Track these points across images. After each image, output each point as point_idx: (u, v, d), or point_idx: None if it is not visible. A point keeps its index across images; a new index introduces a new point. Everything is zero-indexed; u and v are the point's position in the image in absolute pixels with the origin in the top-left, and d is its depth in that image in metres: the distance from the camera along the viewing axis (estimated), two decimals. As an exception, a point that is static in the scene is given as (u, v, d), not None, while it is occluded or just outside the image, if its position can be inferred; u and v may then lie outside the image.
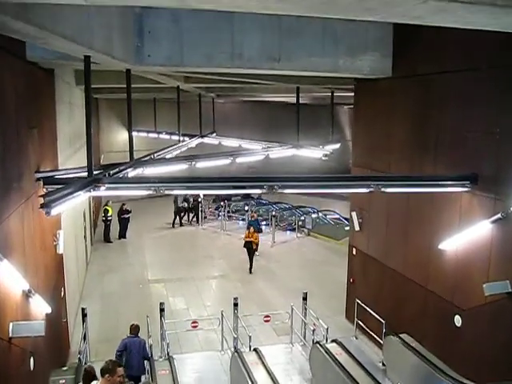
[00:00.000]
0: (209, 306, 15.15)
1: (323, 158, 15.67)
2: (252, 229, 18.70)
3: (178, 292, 16.11)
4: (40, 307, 7.94)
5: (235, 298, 12.27)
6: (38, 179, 8.51)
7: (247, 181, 8.11)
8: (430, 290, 10.16)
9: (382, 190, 8.39)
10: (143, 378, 9.77)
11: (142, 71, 11.32)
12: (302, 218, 24.48)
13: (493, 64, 8.42)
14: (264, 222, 25.51)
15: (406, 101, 11.02)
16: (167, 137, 27.03)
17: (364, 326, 12.37)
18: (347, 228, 22.73)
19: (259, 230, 20.33)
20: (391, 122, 11.45)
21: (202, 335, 12.94)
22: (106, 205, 22.66)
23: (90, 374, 7.34)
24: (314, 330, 11.33)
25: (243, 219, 25.36)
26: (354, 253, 13.45)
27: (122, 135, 32.11)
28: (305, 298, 12.52)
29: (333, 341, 10.66)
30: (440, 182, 8.41)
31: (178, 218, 25.56)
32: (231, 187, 8.07)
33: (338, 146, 17.09)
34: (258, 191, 8.26)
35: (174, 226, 25.37)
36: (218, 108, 27.01)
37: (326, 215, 25.85)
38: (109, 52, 7.62)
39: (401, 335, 10.48)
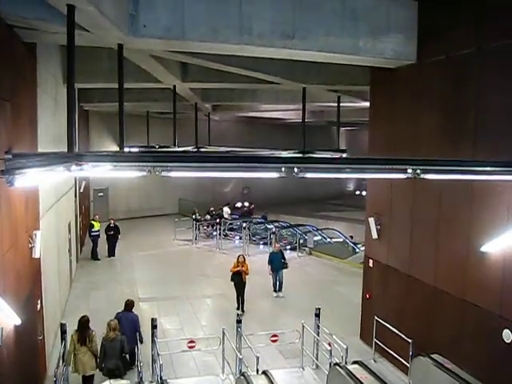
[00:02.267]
0: (205, 326, 13.56)
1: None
2: (241, 257, 15.10)
3: (171, 311, 14.51)
4: (4, 315, 6.38)
5: (239, 314, 10.75)
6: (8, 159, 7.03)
7: (262, 161, 6.69)
8: (470, 302, 8.71)
9: (422, 176, 7.01)
10: (136, 350, 10.00)
11: (136, 49, 9.99)
12: (306, 236, 23.00)
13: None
14: (262, 242, 24.16)
15: (434, 86, 9.78)
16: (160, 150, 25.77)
17: (384, 347, 10.82)
18: (360, 246, 22.19)
19: (284, 266, 16.35)
20: (417, 112, 10.18)
21: (198, 358, 11.33)
22: (93, 219, 21.18)
23: (86, 323, 9.44)
24: (330, 351, 9.76)
25: (240, 238, 23.90)
26: (371, 264, 12.00)
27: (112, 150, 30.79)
28: (317, 315, 11.00)
29: (355, 362, 9.11)
30: (496, 169, 6.97)
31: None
32: (242, 169, 6.65)
33: (345, 155, 15.66)
34: (275, 175, 6.84)
35: (209, 237, 25.51)
36: (214, 127, 25.94)
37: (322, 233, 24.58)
38: (97, 4, 6.33)
39: (432, 355, 8.98)
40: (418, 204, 10.14)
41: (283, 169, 6.71)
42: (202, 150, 20.10)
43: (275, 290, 16.23)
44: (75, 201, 18.70)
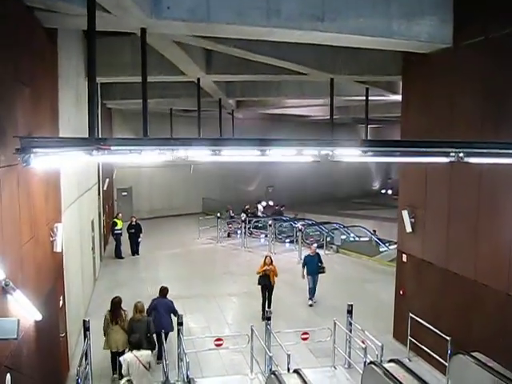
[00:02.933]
0: (232, 325, 13.18)
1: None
2: (268, 259, 13.80)
3: (197, 309, 14.15)
4: (23, 308, 6.06)
5: (267, 311, 10.32)
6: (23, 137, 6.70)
7: (294, 145, 6.26)
8: (516, 296, 8.16)
9: (465, 159, 6.51)
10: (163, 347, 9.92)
11: (159, 35, 9.63)
12: (333, 234, 22.47)
13: None
14: (288, 240, 23.68)
15: (472, 69, 9.24)
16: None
17: (419, 345, 10.28)
18: (383, 249, 21.82)
19: (321, 270, 15.03)
20: (453, 97, 9.68)
21: (226, 356, 10.95)
22: (116, 217, 20.98)
23: (118, 304, 10.08)
24: (365, 349, 9.25)
25: (266, 235, 23.45)
26: (405, 259, 11.46)
27: (136, 150, 30.63)
28: (350, 312, 10.51)
29: (391, 361, 8.61)
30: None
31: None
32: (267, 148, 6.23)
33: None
34: (309, 158, 6.42)
35: (229, 236, 25.09)
36: (237, 125, 25.49)
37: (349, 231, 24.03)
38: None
39: (472, 353, 8.43)
40: (455, 193, 9.59)
41: (317, 153, 6.31)
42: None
43: (311, 298, 14.78)
44: (99, 198, 18.52)
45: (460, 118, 9.52)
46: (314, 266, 14.78)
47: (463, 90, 9.48)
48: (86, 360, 8.83)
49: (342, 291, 15.74)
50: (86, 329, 9.11)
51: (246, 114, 30.37)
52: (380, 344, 9.17)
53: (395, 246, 21.81)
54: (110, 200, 25.49)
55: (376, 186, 47.49)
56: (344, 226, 24.54)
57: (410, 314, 10.49)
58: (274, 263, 13.85)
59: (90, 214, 15.58)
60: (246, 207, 27.48)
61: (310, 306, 14.56)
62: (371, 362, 8.60)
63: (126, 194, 29.39)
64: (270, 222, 22.68)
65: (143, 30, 8.47)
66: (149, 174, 31.12)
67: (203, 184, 32.92)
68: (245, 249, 22.43)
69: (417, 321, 10.33)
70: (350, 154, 6.57)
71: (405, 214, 10.99)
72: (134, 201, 29.73)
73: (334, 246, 22.08)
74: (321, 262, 15.06)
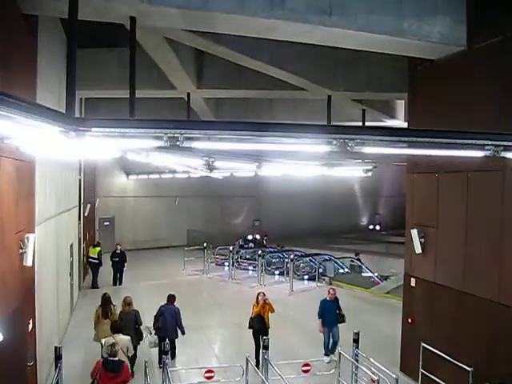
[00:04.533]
0: (221, 358, 11.98)
1: (364, 175, 13.00)
2: (261, 296, 11.37)
3: (184, 341, 12.86)
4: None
5: (264, 339, 9.21)
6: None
7: (308, 132, 5.36)
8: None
9: (502, 154, 5.69)
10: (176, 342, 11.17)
11: (150, 29, 8.81)
12: (325, 265, 21.53)
13: None
14: (277, 272, 22.61)
15: (489, 70, 8.54)
16: (170, 175, 24.64)
17: (434, 378, 9.19)
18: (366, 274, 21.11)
19: (341, 319, 11.70)
20: (468, 101, 8.92)
21: (216, 392, 9.75)
22: (93, 245, 19.70)
23: (108, 299, 11.07)
24: (378, 382, 8.13)
25: (254, 267, 22.36)
26: (413, 284, 10.49)
27: (120, 179, 29.71)
28: (356, 341, 9.44)
29: (409, 395, 7.56)
30: None
31: None
32: (284, 140, 5.33)
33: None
34: (325, 148, 5.52)
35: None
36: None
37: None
38: None
39: (499, 386, 7.43)
40: (473, 207, 8.74)
41: (335, 141, 5.40)
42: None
43: (327, 353, 11.48)
44: (79, 224, 17.37)
45: (476, 125, 8.75)
46: (332, 315, 11.51)
47: (479, 96, 8.76)
48: (57, 393, 7.62)
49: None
50: (58, 357, 7.90)
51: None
52: (394, 376, 8.10)
53: (388, 279, 21.49)
54: (92, 229, 24.25)
55: (364, 221, 46.75)
56: (335, 258, 23.54)
57: (422, 344, 9.47)
58: (269, 300, 11.54)
59: (69, 238, 14.44)
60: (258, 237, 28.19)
61: (328, 363, 11.06)
62: (387, 397, 7.52)
63: (108, 223, 28.19)
64: (259, 253, 21.58)
65: (133, 20, 7.66)
66: (132, 204, 30.06)
67: (188, 216, 31.90)
68: (232, 280, 21.26)
69: (429, 351, 9.31)
70: (377, 144, 5.65)
71: (414, 233, 10.06)
72: (117, 231, 28.49)
73: (326, 278, 21.05)
74: (339, 309, 11.85)
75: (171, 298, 11.56)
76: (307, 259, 23.05)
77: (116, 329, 9.19)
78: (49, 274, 10.34)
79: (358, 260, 23.52)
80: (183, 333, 11.23)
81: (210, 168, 17.87)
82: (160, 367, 10.03)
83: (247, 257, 24.39)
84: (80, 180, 17.45)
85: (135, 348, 10.06)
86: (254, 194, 35.47)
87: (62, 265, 12.49)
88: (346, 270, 23.05)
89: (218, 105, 17.90)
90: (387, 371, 8.35)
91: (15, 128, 4.13)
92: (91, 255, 19.04)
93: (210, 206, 33.33)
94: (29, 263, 7.38)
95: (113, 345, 7.91)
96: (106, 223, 28.04)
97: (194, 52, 13.12)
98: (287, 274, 20.93)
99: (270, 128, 5.19)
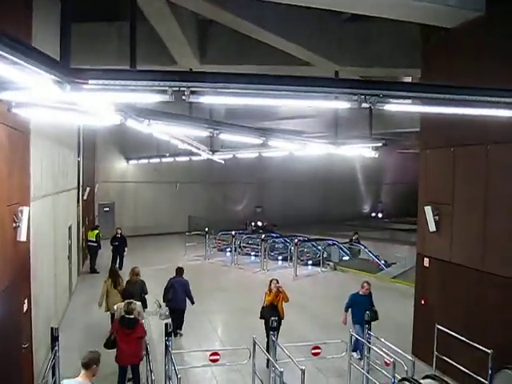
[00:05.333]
0: (227, 342, 11.55)
1: (373, 155, 12.50)
2: (274, 283, 10.33)
3: (187, 326, 12.48)
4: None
5: (273, 320, 8.76)
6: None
7: (326, 85, 4.88)
8: None
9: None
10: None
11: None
12: (332, 250, 21.09)
13: None
14: (280, 257, 22.21)
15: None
16: (171, 159, 24.13)
17: (450, 361, 8.75)
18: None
19: (374, 317, 9.76)
20: (486, 74, 8.38)
21: (222, 375, 9.34)
22: (91, 229, 19.28)
23: (116, 272, 11.64)
24: (393, 364, 7.66)
25: (257, 252, 21.95)
26: (426, 264, 10.05)
27: (120, 164, 29.22)
28: (368, 322, 8.99)
29: (427, 377, 7.11)
30: None
31: None
32: (299, 94, 4.85)
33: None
34: (343, 104, 5.04)
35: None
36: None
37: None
38: None
39: (522, 369, 7.01)
40: (494, 180, 8.27)
41: (355, 97, 4.92)
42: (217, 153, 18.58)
43: (355, 349, 10.11)
44: (78, 206, 16.90)
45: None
46: (362, 311, 9.52)
47: (497, 66, 8.24)
48: (52, 377, 7.18)
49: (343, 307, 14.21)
50: (54, 338, 7.45)
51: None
52: (411, 358, 7.67)
53: (393, 265, 21.04)
54: (91, 214, 23.81)
55: (367, 209, 46.32)
56: (339, 243, 23.07)
57: (437, 326, 9.02)
58: (282, 287, 10.44)
59: (68, 219, 13.99)
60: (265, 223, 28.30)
61: (360, 359, 9.82)
62: (404, 379, 7.08)
63: (107, 209, 27.76)
64: (262, 237, 21.14)
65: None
66: (133, 190, 29.62)
67: (189, 202, 31.51)
68: (235, 265, 20.85)
69: (444, 334, 8.86)
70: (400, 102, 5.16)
71: (428, 210, 9.60)
72: (117, 217, 28.04)
73: (331, 263, 20.65)
74: (372, 305, 10.43)
75: (180, 271, 11.97)
76: (310, 244, 22.61)
77: (127, 295, 9.60)
78: (45, 254, 9.89)
79: (357, 240, 22.54)
80: (193, 302, 11.79)
81: (213, 150, 17.48)
82: (178, 334, 11.49)
83: (249, 242, 23.92)
84: (79, 162, 16.96)
85: None
86: (255, 180, 35.06)
87: (59, 246, 12.05)
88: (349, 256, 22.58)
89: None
90: (402, 353, 7.91)
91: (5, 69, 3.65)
92: (90, 238, 18.64)
93: (211, 192, 32.87)
94: (23, 238, 6.92)
95: (129, 303, 8.52)
96: (105, 209, 27.62)
97: (197, 27, 12.63)
98: (291, 259, 20.52)
99: (285, 81, 4.71)
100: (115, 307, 9.48)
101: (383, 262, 20.97)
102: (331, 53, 12.19)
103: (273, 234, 25.08)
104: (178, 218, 30.67)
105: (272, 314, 9.39)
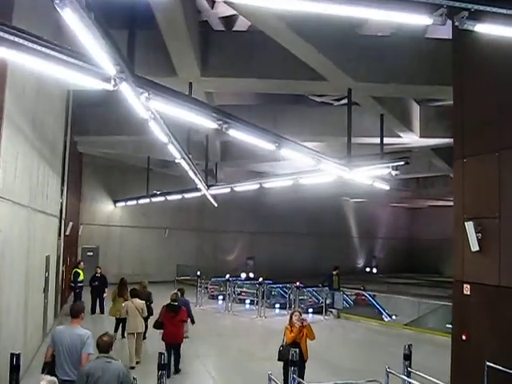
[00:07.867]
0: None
1: (394, 174, 11.22)
2: (296, 317, 8.53)
3: (181, 372, 10.68)
4: None
5: (294, 353, 7.14)
6: None
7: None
8: None
9: None
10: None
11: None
12: (335, 296, 19.43)
13: None
14: (278, 305, 20.48)
15: None
16: (162, 198, 22.74)
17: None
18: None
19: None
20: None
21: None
22: (77, 266, 17.60)
23: (125, 283, 14.14)
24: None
25: (252, 301, 20.25)
26: (467, 291, 8.53)
27: (106, 207, 27.71)
28: (408, 357, 7.40)
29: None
30: None
31: None
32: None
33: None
34: (425, 20, 3.76)
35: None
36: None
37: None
38: None
39: None
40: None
41: (439, 10, 3.66)
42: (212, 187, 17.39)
43: None
44: (59, 239, 15.26)
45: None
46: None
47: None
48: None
49: (357, 353, 12.69)
50: (15, 367, 5.78)
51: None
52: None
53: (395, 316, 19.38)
54: (74, 254, 22.06)
55: (360, 263, 44.78)
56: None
57: (487, 363, 7.44)
58: (306, 321, 8.64)
59: (46, 248, 12.35)
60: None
61: None
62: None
63: (91, 254, 25.93)
64: (260, 280, 19.49)
65: None
66: (119, 234, 28.00)
67: (178, 250, 29.91)
68: (229, 313, 19.04)
69: (495, 371, 7.28)
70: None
71: (469, 226, 8.19)
72: (101, 262, 26.05)
73: (333, 311, 18.92)
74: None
75: (181, 291, 12.09)
76: (311, 289, 20.99)
77: (134, 294, 11.22)
78: (14, 275, 8.25)
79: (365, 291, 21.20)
80: (193, 322, 12.03)
81: (208, 184, 16.14)
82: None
83: (244, 289, 22.22)
84: (62, 190, 15.46)
85: (145, 327, 11.45)
86: (247, 229, 33.75)
87: (34, 274, 10.39)
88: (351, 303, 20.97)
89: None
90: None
91: None
92: (80, 279, 17.47)
93: (201, 240, 31.36)
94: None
95: (174, 294, 10.68)
96: (89, 253, 25.80)
97: (200, 38, 11.68)
98: (289, 306, 18.84)
99: None
100: (123, 304, 11.51)
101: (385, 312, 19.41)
102: (347, 65, 11.23)
103: (269, 281, 23.42)
104: (165, 266, 28.86)
105: (293, 352, 7.45)
